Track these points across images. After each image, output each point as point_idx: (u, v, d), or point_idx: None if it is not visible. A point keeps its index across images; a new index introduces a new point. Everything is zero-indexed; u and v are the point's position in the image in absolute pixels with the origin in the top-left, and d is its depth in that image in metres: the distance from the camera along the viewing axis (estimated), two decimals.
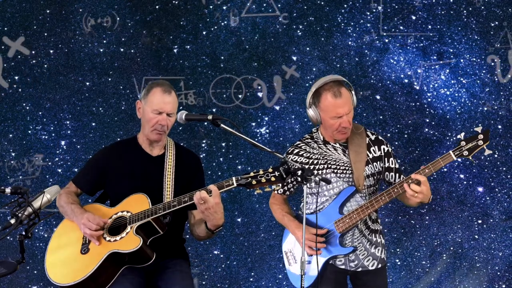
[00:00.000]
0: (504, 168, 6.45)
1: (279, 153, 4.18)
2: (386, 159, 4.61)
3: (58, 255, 4.33)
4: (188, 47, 6.71)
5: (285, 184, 4.65)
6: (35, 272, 6.50)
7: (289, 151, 4.67)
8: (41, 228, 6.49)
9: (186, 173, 4.45)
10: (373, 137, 4.65)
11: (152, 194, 4.31)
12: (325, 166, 4.56)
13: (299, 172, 4.07)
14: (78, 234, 4.32)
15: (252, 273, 6.60)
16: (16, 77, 6.71)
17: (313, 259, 4.47)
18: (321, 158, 4.58)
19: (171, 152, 4.48)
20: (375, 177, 4.60)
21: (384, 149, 4.62)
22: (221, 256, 6.60)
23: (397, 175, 4.60)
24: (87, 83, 6.71)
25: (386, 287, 4.67)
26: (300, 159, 4.61)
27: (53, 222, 6.38)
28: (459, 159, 4.38)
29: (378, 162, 4.60)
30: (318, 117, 4.54)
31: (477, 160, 6.41)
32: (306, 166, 4.54)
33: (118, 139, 6.62)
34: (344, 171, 4.55)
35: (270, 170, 4.05)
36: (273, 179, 4.03)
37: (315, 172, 4.53)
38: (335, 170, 4.55)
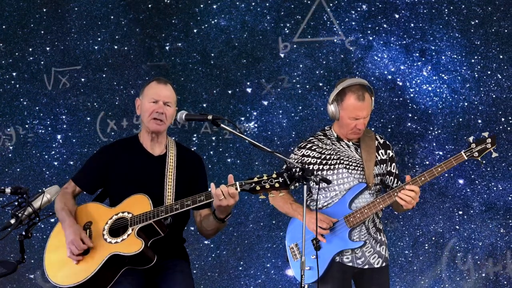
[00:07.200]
0: (484, 161, 6.46)
1: (280, 153, 4.13)
2: (389, 163, 4.72)
3: (58, 255, 4.23)
4: (180, 44, 6.78)
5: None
6: (32, 261, 6.54)
7: (302, 146, 4.70)
8: None
9: (187, 173, 4.38)
10: (381, 141, 4.75)
11: (153, 193, 4.22)
12: (338, 161, 4.61)
13: (299, 171, 3.98)
14: None
15: (241, 262, 6.65)
16: (14, 74, 6.81)
17: (320, 254, 4.46)
18: (334, 153, 4.64)
19: (173, 152, 4.40)
20: (380, 177, 4.68)
21: (389, 153, 4.73)
22: (211, 245, 6.64)
23: (396, 180, 4.71)
24: (82, 79, 6.79)
25: (388, 285, 4.69)
26: (313, 154, 4.64)
27: (50, 213, 6.45)
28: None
29: (384, 165, 4.69)
30: (337, 114, 4.61)
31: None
32: (318, 161, 4.63)
33: (110, 132, 6.78)
34: (356, 168, 4.62)
35: (274, 175, 3.95)
36: (277, 185, 3.93)
37: (322, 167, 4.61)
38: (347, 166, 4.61)
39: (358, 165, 4.63)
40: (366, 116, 4.57)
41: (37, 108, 6.80)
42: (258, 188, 3.95)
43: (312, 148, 4.67)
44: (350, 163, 4.62)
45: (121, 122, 6.77)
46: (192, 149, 4.79)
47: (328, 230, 4.54)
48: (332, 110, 4.62)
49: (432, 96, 6.60)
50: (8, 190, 3.97)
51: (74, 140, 6.76)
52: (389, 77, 6.64)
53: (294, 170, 3.96)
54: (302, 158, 4.65)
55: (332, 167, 4.61)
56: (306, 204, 4.42)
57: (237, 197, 4.04)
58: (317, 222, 4.34)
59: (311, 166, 4.58)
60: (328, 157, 4.64)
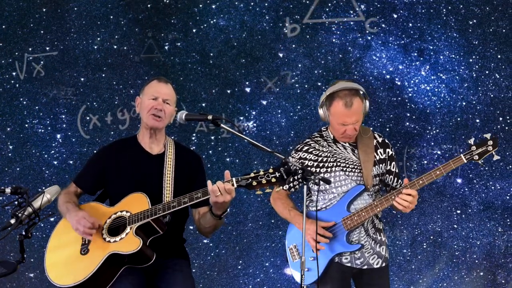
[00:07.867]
0: (482, 161, 6.49)
1: (279, 153, 4.05)
2: (389, 162, 4.67)
3: (58, 255, 4.26)
4: (179, 44, 6.80)
5: (290, 181, 4.64)
6: (32, 260, 6.55)
7: (298, 148, 4.67)
8: None
9: (186, 172, 4.38)
10: (380, 140, 4.70)
11: (152, 192, 4.23)
12: (334, 164, 4.57)
13: (300, 172, 3.98)
14: (78, 234, 4.22)
15: (240, 261, 6.67)
16: (14, 73, 6.83)
17: (318, 256, 4.42)
18: (330, 156, 4.60)
19: (171, 151, 4.41)
20: (379, 177, 4.64)
21: (388, 152, 4.69)
22: (210, 244, 6.66)
23: (396, 178, 4.67)
24: (82, 79, 6.81)
25: (388, 285, 4.66)
26: (309, 156, 4.61)
27: (49, 212, 6.46)
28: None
29: (383, 164, 4.65)
30: (327, 118, 4.59)
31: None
32: (315, 164, 4.59)
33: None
34: (353, 170, 4.58)
35: (271, 170, 3.90)
36: (273, 180, 3.89)
37: (318, 170, 4.57)
38: (344, 169, 4.57)
39: (356, 167, 4.59)
40: (355, 122, 4.52)
41: (36, 107, 6.82)
42: (254, 183, 3.91)
43: (309, 151, 4.65)
44: (347, 166, 4.59)
45: (120, 120, 6.79)
46: (191, 149, 4.79)
47: (327, 241, 4.52)
48: (321, 114, 4.62)
49: (430, 95, 6.61)
50: (8, 190, 3.94)
51: (73, 140, 6.79)
52: (388, 76, 6.66)
53: (290, 164, 3.93)
54: (300, 161, 4.63)
55: (329, 169, 4.58)
56: (306, 205, 4.32)
57: (234, 193, 4.03)
58: (317, 226, 4.33)
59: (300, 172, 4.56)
60: (324, 159, 4.61)
